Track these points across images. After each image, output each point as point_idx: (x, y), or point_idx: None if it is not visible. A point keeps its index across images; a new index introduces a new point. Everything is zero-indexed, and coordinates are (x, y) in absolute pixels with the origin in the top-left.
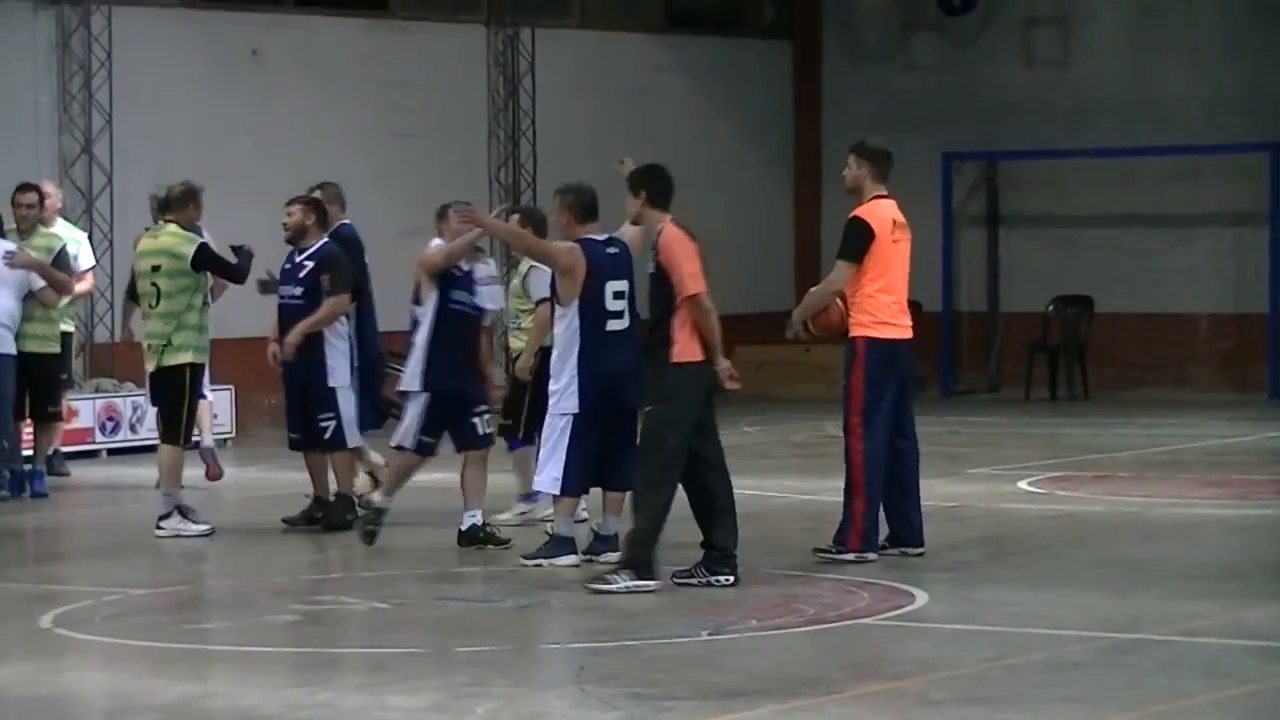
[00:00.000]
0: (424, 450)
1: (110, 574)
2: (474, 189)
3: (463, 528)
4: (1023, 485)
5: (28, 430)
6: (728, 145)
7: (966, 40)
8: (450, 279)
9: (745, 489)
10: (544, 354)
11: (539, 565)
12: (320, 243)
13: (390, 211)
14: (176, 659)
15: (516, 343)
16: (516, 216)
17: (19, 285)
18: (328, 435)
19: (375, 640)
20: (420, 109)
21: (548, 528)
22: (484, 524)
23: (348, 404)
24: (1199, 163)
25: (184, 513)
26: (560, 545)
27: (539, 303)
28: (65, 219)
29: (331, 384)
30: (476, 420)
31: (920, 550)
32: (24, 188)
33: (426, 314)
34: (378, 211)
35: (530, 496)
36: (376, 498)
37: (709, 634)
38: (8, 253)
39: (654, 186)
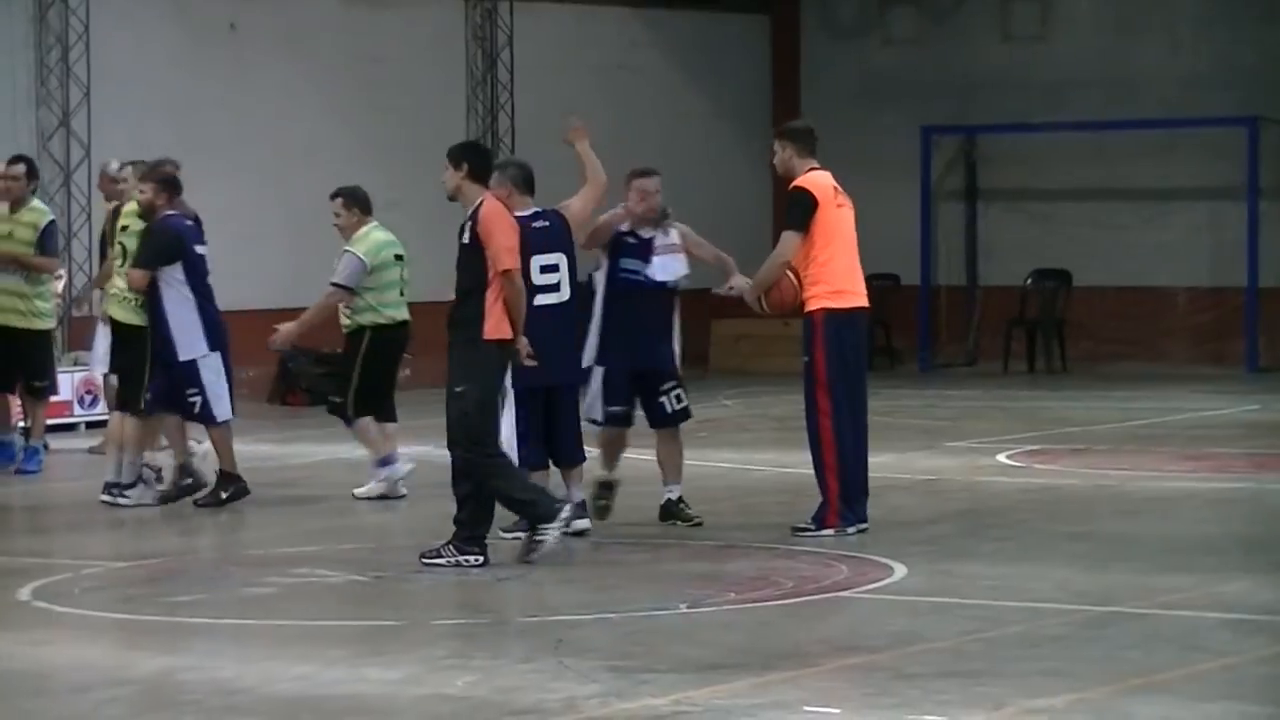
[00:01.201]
0: (614, 421)
1: (89, 546)
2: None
3: (662, 502)
4: (1001, 459)
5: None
6: (705, 120)
7: (944, 15)
8: (623, 246)
9: (724, 462)
10: (350, 335)
11: (517, 539)
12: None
13: (368, 185)
14: (154, 631)
15: (345, 320)
16: (339, 200)
17: None
18: (196, 410)
19: (353, 613)
20: (398, 83)
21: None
22: (678, 499)
23: (211, 376)
24: (1176, 137)
25: (145, 481)
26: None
27: (331, 285)
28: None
29: (184, 358)
30: (664, 399)
31: (864, 526)
32: (14, 160)
33: (599, 284)
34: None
35: (385, 461)
36: (600, 472)
37: (687, 607)
38: None
39: (475, 161)
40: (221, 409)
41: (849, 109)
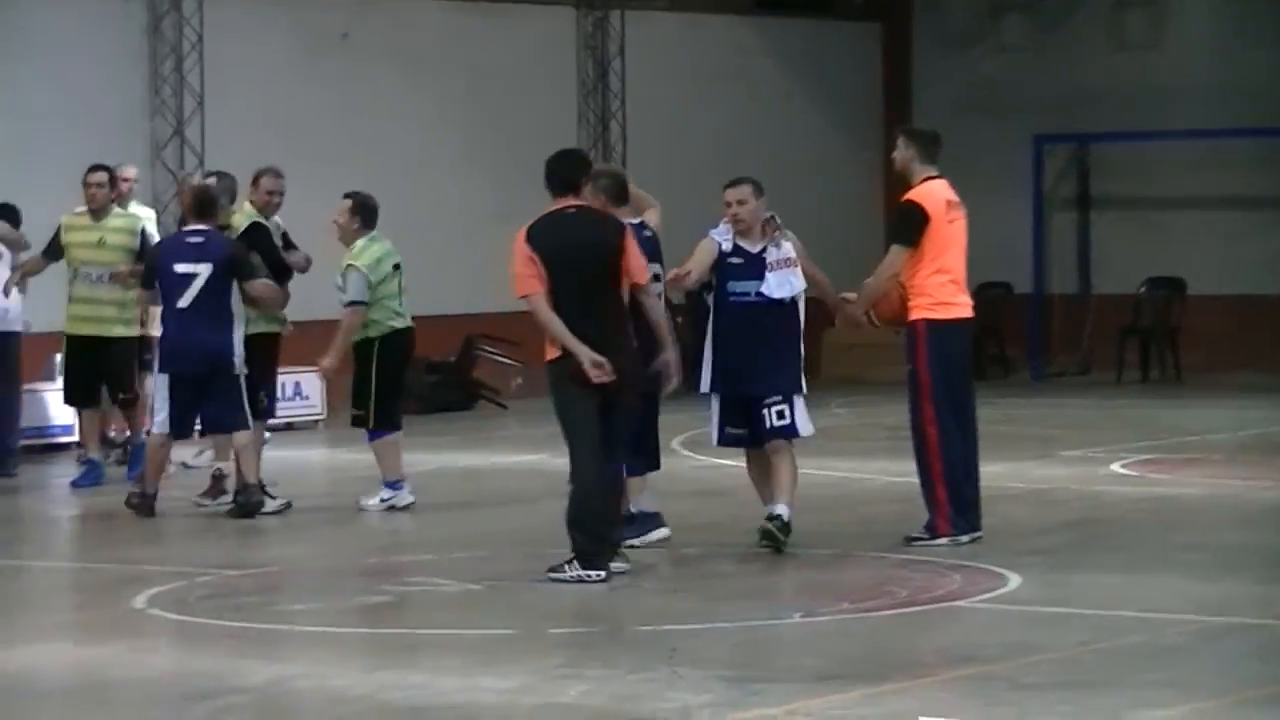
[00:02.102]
0: (731, 443)
1: (202, 554)
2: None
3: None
4: (1115, 468)
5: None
6: (816, 128)
7: (1056, 22)
8: (728, 269)
9: (837, 471)
10: (358, 346)
11: (632, 546)
12: None
13: (479, 195)
14: (269, 640)
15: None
16: (349, 203)
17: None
18: None
19: (467, 622)
20: (509, 92)
21: (630, 509)
22: (775, 517)
23: (156, 391)
24: None
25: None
26: (646, 522)
27: (348, 304)
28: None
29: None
30: (765, 411)
31: (978, 535)
32: (94, 169)
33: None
34: (466, 195)
35: (395, 484)
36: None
37: (801, 616)
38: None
39: (546, 170)
40: (156, 423)
41: (960, 117)
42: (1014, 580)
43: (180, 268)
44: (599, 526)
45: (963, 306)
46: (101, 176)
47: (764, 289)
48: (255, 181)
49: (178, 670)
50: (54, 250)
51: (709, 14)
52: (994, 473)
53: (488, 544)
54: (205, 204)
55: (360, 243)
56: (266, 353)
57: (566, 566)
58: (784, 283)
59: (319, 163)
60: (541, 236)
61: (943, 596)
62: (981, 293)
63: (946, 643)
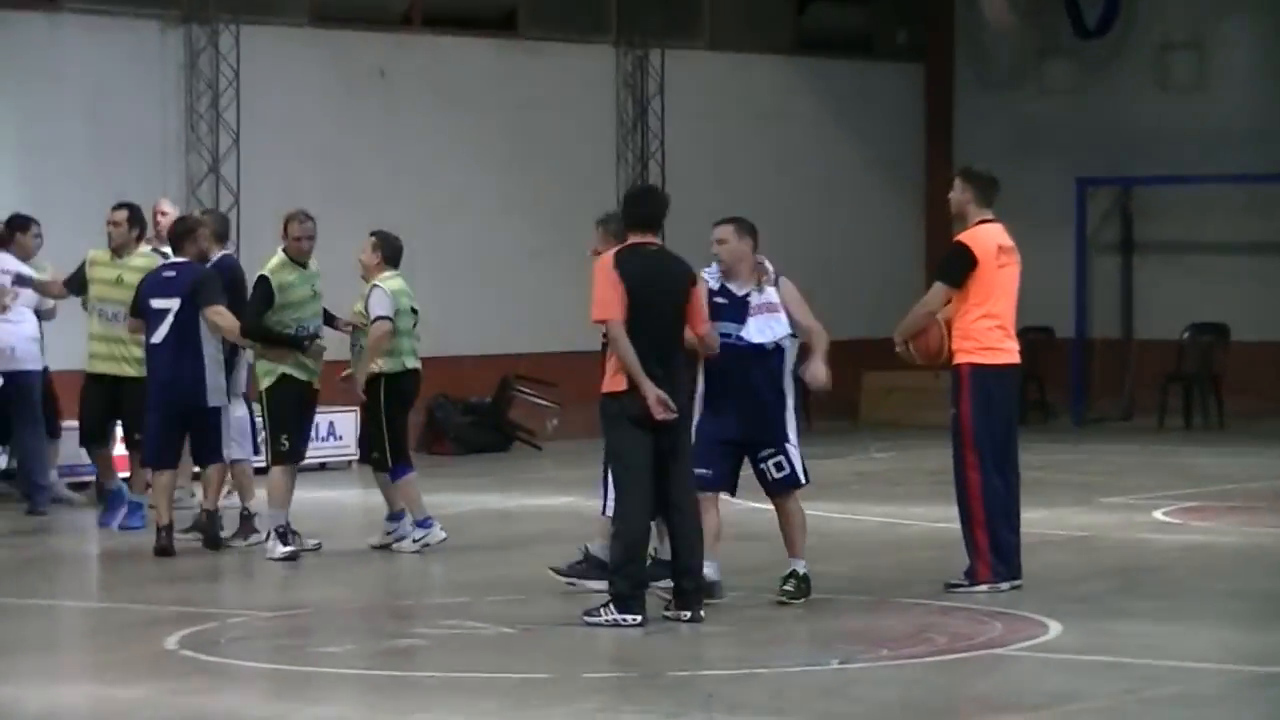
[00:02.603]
0: (709, 487)
1: (234, 595)
2: (601, 211)
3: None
4: (1157, 515)
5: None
6: (857, 169)
7: (1100, 65)
8: (714, 309)
9: (877, 516)
10: (368, 385)
11: (663, 597)
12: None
13: (516, 234)
14: (301, 682)
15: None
16: (374, 239)
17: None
18: None
19: (502, 665)
20: (548, 130)
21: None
22: (788, 575)
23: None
24: None
25: (283, 535)
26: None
27: (374, 320)
28: None
29: None
30: (764, 466)
31: (1018, 583)
32: (116, 206)
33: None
34: (504, 234)
35: (424, 522)
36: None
37: (839, 663)
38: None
39: (624, 213)
40: (146, 456)
41: (1003, 159)
42: (1055, 628)
43: (155, 303)
44: (641, 571)
45: (1009, 352)
46: (121, 215)
47: (744, 333)
48: (285, 227)
49: (210, 712)
50: (76, 283)
51: (750, 54)
52: (1035, 519)
53: (522, 587)
54: (177, 236)
55: (384, 274)
56: (295, 398)
57: (603, 610)
58: (764, 328)
59: (355, 201)
60: (629, 265)
61: (983, 644)
62: (1023, 336)
63: (986, 691)
